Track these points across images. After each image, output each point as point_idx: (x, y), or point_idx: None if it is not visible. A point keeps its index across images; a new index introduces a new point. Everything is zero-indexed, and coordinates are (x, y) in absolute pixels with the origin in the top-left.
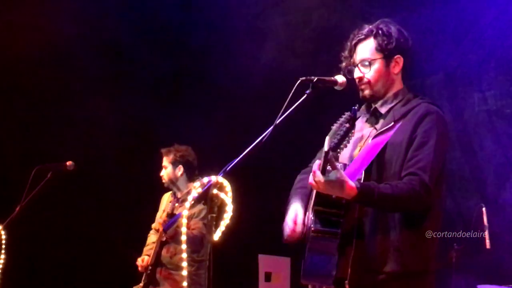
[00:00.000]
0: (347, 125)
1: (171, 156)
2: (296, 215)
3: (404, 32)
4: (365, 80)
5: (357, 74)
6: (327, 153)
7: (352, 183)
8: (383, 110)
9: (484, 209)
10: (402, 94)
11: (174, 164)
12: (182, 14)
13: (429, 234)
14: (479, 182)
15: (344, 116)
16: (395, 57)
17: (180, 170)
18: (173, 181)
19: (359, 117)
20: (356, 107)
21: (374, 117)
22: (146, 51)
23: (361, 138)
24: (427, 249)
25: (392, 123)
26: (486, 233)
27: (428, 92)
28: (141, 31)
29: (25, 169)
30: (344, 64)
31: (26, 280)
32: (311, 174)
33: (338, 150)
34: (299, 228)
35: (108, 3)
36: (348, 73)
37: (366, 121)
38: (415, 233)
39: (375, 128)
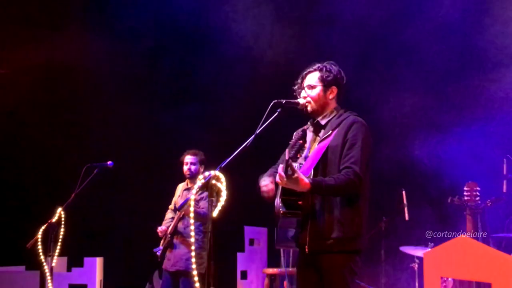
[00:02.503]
0: (300, 141)
1: (199, 157)
2: (269, 181)
3: (341, 72)
4: (308, 99)
5: (303, 94)
6: (287, 161)
7: (306, 180)
8: (323, 122)
9: (404, 192)
10: (336, 110)
11: (201, 163)
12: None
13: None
14: None
15: (296, 136)
16: (331, 87)
17: (202, 168)
18: (197, 174)
19: (308, 129)
20: (305, 128)
21: (317, 127)
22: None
23: (311, 143)
24: (360, 220)
25: (330, 131)
26: (405, 209)
27: None
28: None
29: (77, 167)
30: (296, 87)
31: (78, 247)
32: (277, 175)
33: (296, 158)
34: (270, 187)
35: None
36: (298, 94)
37: (313, 131)
38: (351, 210)
39: (319, 136)
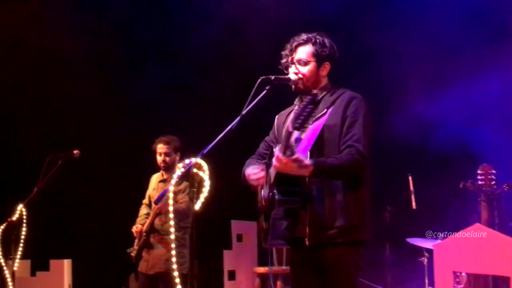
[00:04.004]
0: (311, 106)
1: (173, 145)
2: (258, 168)
3: (334, 46)
4: (300, 75)
5: (294, 70)
6: (289, 135)
7: (307, 162)
8: (316, 99)
9: (410, 177)
10: (328, 87)
11: (176, 151)
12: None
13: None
14: None
15: (306, 100)
16: (325, 63)
17: (178, 156)
18: (173, 165)
19: (293, 109)
20: (314, 93)
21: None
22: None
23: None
24: (364, 207)
25: (325, 109)
26: (412, 196)
27: None
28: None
29: (39, 158)
30: (284, 60)
31: (41, 247)
32: (274, 158)
33: (305, 128)
34: (262, 175)
35: None
36: (285, 68)
37: None
38: (355, 195)
39: (311, 115)
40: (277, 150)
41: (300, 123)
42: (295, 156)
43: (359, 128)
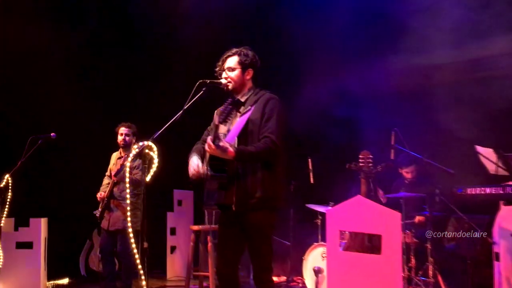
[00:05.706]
0: (230, 106)
1: (133, 129)
2: (198, 163)
3: (256, 56)
4: (229, 79)
5: (224, 75)
6: (215, 132)
7: (231, 148)
8: (242, 99)
9: (309, 159)
10: (253, 89)
11: (133, 134)
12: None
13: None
14: None
15: (228, 101)
16: (248, 69)
17: (134, 139)
18: (130, 145)
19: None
20: (234, 96)
21: (237, 104)
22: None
23: (232, 118)
24: (278, 182)
25: (249, 107)
26: (311, 173)
27: None
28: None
29: (23, 138)
30: (217, 68)
31: (23, 208)
32: (206, 144)
33: (224, 123)
34: (200, 170)
35: None
36: (219, 75)
37: (233, 107)
38: (271, 173)
39: (239, 111)
40: (209, 138)
41: (223, 118)
42: (221, 144)
43: (274, 122)
